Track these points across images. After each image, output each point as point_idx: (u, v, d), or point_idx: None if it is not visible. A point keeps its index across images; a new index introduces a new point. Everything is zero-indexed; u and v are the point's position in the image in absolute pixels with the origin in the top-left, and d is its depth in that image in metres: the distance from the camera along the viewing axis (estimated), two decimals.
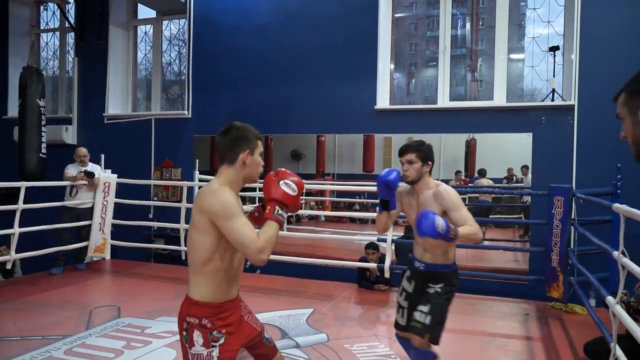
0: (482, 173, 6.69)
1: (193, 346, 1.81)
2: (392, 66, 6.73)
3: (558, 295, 4.53)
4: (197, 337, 1.81)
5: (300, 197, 1.89)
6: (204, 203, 1.75)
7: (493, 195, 6.59)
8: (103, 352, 3.42)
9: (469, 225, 2.35)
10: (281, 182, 1.82)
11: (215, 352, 1.82)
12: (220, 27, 7.03)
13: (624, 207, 2.55)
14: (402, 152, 2.60)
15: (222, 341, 1.83)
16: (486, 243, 6.42)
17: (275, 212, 1.79)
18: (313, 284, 5.51)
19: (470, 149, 7.60)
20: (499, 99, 5.96)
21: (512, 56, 7.75)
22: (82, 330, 3.85)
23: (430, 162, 2.57)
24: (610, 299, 2.79)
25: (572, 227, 4.57)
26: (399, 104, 7.00)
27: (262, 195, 1.93)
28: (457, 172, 6.85)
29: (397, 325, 2.78)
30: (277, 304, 4.69)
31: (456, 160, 7.91)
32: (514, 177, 6.61)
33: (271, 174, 1.87)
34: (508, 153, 6.90)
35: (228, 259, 1.82)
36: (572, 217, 4.57)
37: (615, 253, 2.66)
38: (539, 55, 6.60)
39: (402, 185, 2.65)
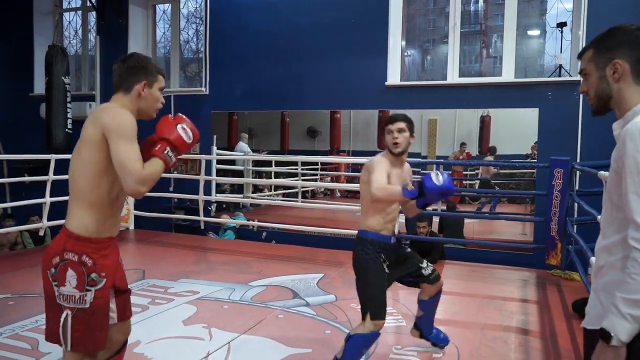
0: (491, 151, 6.87)
1: (63, 286, 1.67)
2: (404, 43, 6.86)
3: (556, 263, 4.75)
4: (71, 277, 1.66)
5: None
6: (102, 115, 1.69)
7: (497, 170, 6.76)
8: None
9: None
10: (178, 126, 1.79)
11: (90, 297, 1.67)
12: (236, 6, 7.22)
13: (606, 173, 2.74)
14: (394, 119, 2.58)
15: (99, 285, 1.69)
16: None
17: (165, 151, 1.73)
18: (324, 252, 5.80)
19: (484, 125, 7.75)
20: (508, 75, 6.08)
21: (530, 32, 7.83)
22: None
23: (414, 135, 2.62)
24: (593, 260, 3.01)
25: (571, 197, 4.76)
26: (414, 80, 7.15)
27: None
28: (462, 144, 7.00)
29: None
30: (289, 269, 5.00)
31: (471, 135, 8.07)
32: (531, 155, 6.75)
33: (168, 116, 1.84)
34: (523, 129, 7.04)
35: (117, 189, 1.73)
36: (574, 188, 4.76)
37: (599, 217, 2.86)
38: (550, 31, 6.68)
39: (384, 156, 2.62)
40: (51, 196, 5.66)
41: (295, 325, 3.51)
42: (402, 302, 4.07)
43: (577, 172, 5.15)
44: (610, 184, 1.35)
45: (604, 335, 1.24)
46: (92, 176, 1.69)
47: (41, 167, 7.39)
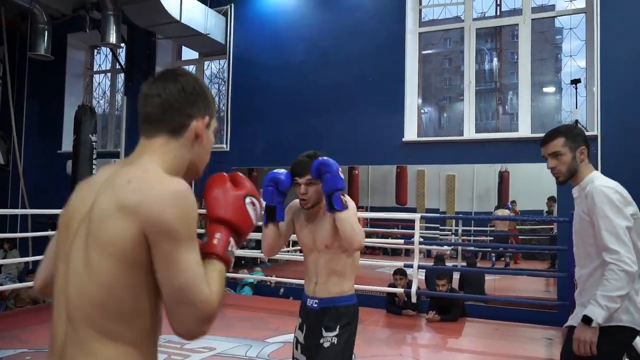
0: (503, 205, 6.86)
1: None
2: (420, 100, 7.03)
3: None
4: None
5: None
6: (143, 199, 0.93)
7: (515, 226, 6.69)
8: None
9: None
10: (247, 200, 1.08)
11: None
12: (257, 66, 7.53)
13: None
14: (300, 172, 2.14)
15: None
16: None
17: (229, 247, 1.04)
18: None
19: (502, 180, 7.75)
20: (524, 130, 6.14)
21: (545, 89, 7.96)
22: None
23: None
24: None
25: None
26: (431, 136, 7.26)
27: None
28: (513, 202, 6.92)
29: None
30: None
31: (489, 191, 8.06)
32: (547, 210, 6.71)
33: (223, 175, 1.11)
34: (541, 185, 7.02)
35: (159, 308, 1.02)
36: None
37: None
38: (567, 88, 6.79)
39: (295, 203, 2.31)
40: None
41: None
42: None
43: None
44: (581, 229, 2.00)
45: (585, 319, 1.85)
46: (130, 298, 0.96)
47: None
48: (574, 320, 2.00)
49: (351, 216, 2.07)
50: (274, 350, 4.11)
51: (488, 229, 7.75)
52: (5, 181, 8.95)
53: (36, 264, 7.36)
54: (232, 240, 1.05)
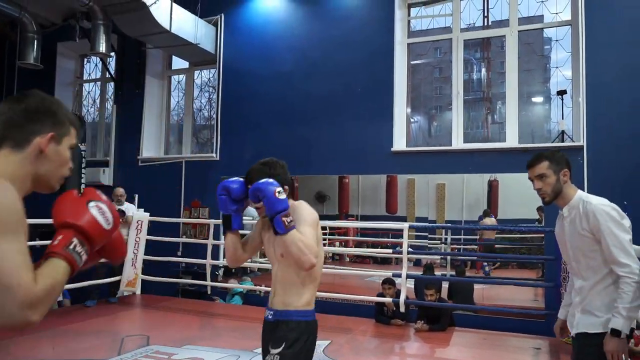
0: (486, 213, 6.93)
1: None
2: (409, 110, 7.08)
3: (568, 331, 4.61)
4: None
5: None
6: None
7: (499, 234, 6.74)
8: None
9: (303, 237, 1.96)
10: (91, 204, 1.16)
11: None
12: (247, 75, 7.55)
13: None
14: (250, 182, 2.05)
15: None
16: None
17: (71, 245, 1.10)
18: (331, 319, 5.68)
19: (492, 189, 7.81)
20: (512, 140, 6.20)
21: (534, 99, 8.06)
22: (114, 356, 4.14)
23: (286, 186, 2.07)
24: None
25: None
26: (420, 146, 7.31)
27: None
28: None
29: None
30: None
31: (479, 200, 8.11)
32: (538, 219, 6.77)
33: (72, 191, 1.22)
34: (531, 194, 7.08)
35: None
36: None
37: None
38: (554, 99, 6.88)
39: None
40: None
41: None
42: None
43: None
44: (582, 244, 2.15)
45: (613, 332, 2.01)
46: None
47: (52, 232, 7.48)
48: (579, 328, 2.17)
49: (297, 236, 1.93)
50: None
51: (477, 237, 7.79)
52: None
53: None
54: (75, 240, 1.12)
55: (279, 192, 1.94)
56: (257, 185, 1.97)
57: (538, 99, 8.11)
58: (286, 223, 1.93)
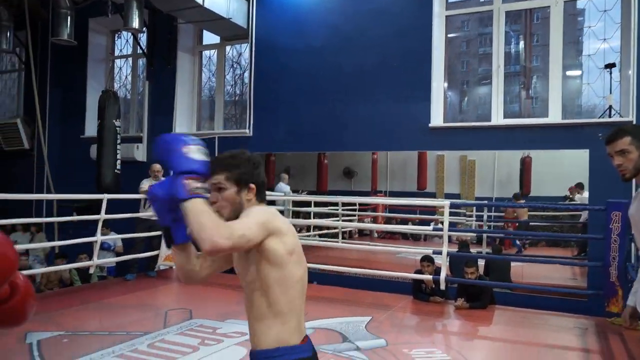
0: (516, 197, 6.86)
1: None
2: (446, 84, 6.92)
3: (618, 310, 4.52)
4: None
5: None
6: None
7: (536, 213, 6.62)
8: (181, 347, 3.76)
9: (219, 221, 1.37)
10: None
11: None
12: (279, 50, 7.45)
13: None
14: (211, 173, 1.50)
15: None
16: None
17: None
18: (369, 295, 5.70)
19: (525, 167, 7.65)
20: (554, 116, 6.01)
21: (569, 73, 7.79)
22: (160, 328, 4.21)
23: (252, 185, 1.57)
24: None
25: (631, 242, 4.58)
26: (452, 121, 7.16)
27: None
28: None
29: None
30: (336, 311, 4.91)
31: (510, 177, 7.97)
32: (569, 197, 6.64)
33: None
34: (564, 171, 6.92)
35: None
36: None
37: None
38: (596, 72, 6.64)
39: None
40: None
41: None
42: (455, 348, 3.94)
43: None
44: None
45: None
46: None
47: (87, 207, 7.62)
48: None
49: (200, 207, 1.36)
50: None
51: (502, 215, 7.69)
52: (30, 165, 9.03)
53: (62, 247, 7.46)
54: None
55: (193, 151, 1.41)
56: (161, 137, 1.45)
57: (574, 72, 7.84)
58: (189, 186, 1.36)
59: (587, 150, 5.59)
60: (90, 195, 6.17)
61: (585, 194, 5.91)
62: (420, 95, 6.47)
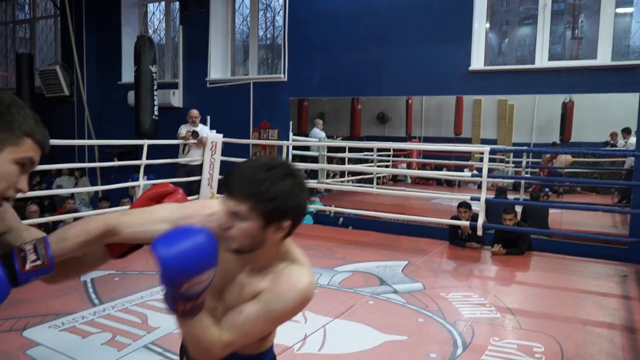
0: (555, 145, 6.68)
1: None
2: (488, 25, 6.63)
3: None
4: None
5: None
6: None
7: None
8: None
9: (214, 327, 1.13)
10: None
11: None
12: None
13: None
14: (227, 189, 1.12)
15: None
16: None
17: None
18: (405, 240, 5.76)
19: (567, 111, 7.37)
20: (603, 57, 5.72)
21: (619, 10, 7.31)
22: None
23: (286, 222, 1.13)
24: None
25: None
26: (491, 64, 6.90)
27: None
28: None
29: None
30: (372, 255, 5.01)
31: (551, 122, 7.71)
32: (610, 143, 6.41)
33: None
34: (608, 115, 6.65)
35: None
36: None
37: None
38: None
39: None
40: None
41: (386, 312, 3.53)
42: (492, 293, 3.98)
43: None
44: None
45: None
46: None
47: (127, 152, 7.83)
48: None
49: (199, 325, 1.11)
50: (344, 279, 4.22)
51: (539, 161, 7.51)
52: (70, 112, 9.24)
53: (105, 191, 7.74)
54: None
55: (189, 285, 1.02)
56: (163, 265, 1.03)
57: (628, 10, 7.33)
58: (182, 308, 1.07)
59: (638, 94, 5.34)
60: (131, 141, 6.32)
61: (632, 139, 5.70)
62: (460, 37, 6.23)
